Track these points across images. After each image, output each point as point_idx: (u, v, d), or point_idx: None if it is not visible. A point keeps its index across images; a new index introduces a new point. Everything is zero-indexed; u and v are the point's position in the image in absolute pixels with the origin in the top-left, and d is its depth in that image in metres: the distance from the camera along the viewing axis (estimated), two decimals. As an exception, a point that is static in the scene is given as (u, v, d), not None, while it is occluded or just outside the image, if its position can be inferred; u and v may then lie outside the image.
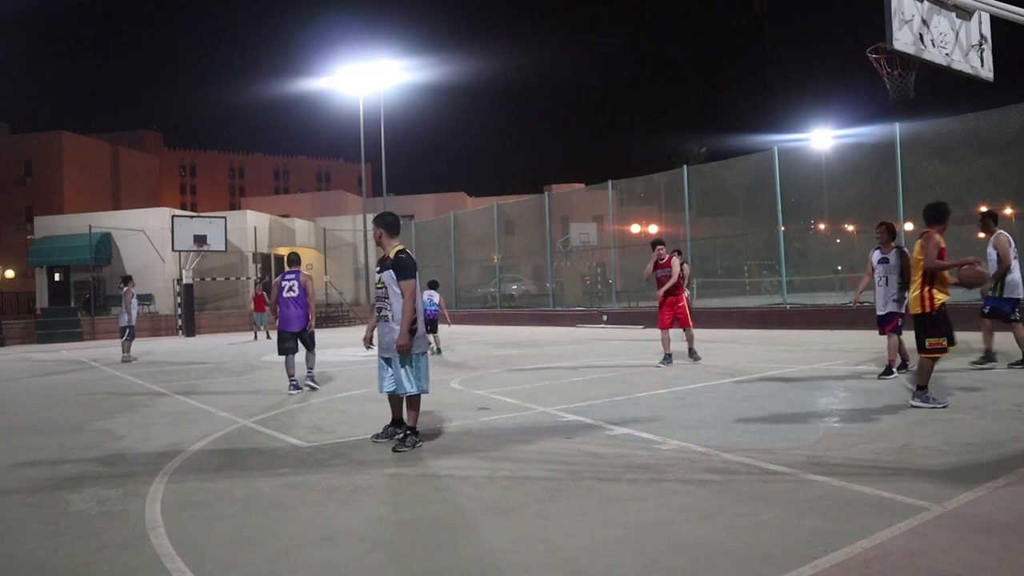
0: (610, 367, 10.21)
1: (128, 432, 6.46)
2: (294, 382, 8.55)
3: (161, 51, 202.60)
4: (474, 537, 3.41)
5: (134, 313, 14.68)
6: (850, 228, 23.11)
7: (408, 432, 5.31)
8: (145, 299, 25.71)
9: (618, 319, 20.19)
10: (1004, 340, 8.37)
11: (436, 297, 13.20)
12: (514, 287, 27.70)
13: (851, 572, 2.81)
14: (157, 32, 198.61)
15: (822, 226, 23.05)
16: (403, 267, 5.27)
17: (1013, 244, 8.28)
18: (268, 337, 20.07)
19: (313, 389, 8.65)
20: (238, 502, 4.11)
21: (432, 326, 13.23)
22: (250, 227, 29.53)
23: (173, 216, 25.82)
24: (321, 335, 22.44)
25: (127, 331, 14.51)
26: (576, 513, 3.68)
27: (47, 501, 4.30)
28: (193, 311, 25.45)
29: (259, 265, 29.37)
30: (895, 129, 15.07)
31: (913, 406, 5.98)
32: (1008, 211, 17.14)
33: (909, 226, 15.72)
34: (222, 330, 25.56)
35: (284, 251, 33.50)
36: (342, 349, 15.97)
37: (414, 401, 5.33)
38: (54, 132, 53.51)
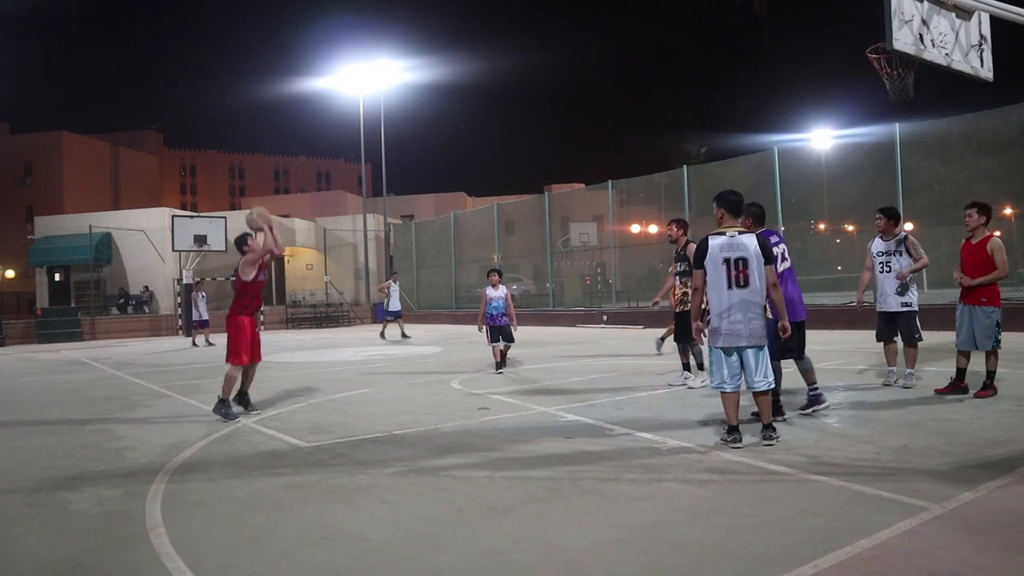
0: (610, 367, 10.21)
1: (128, 432, 6.46)
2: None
3: (161, 51, 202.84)
4: (474, 537, 3.40)
5: (201, 309, 18.26)
6: (850, 228, 23.09)
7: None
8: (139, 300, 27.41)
9: (618, 319, 20.18)
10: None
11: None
12: (514, 287, 27.63)
13: (851, 572, 2.81)
14: (157, 32, 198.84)
15: (822, 226, 23.00)
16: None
17: None
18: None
19: None
20: (238, 502, 4.11)
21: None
22: (250, 227, 29.53)
23: (173, 216, 25.80)
24: (321, 335, 22.49)
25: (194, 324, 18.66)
26: (576, 513, 3.68)
27: (47, 501, 4.30)
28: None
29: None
30: (895, 129, 15.04)
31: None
32: (1008, 211, 17.14)
33: (909, 226, 15.72)
34: (222, 330, 25.55)
35: (284, 251, 33.57)
36: (342, 349, 15.98)
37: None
38: (54, 132, 53.47)
